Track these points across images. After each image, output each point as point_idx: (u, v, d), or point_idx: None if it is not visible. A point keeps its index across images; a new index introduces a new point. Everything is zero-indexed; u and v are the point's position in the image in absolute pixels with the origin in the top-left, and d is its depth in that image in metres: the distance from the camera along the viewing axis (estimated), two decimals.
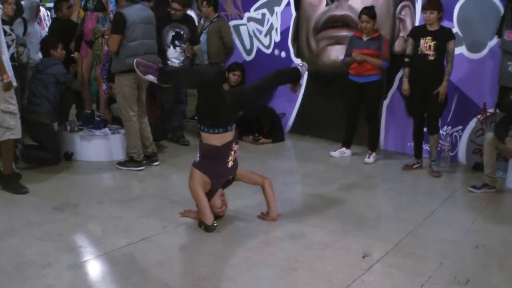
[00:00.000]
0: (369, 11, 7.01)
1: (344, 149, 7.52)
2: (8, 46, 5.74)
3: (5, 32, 5.59)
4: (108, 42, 6.26)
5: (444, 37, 6.49)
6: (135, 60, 4.81)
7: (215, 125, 4.62)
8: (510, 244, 4.73)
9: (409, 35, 6.84)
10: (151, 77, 4.74)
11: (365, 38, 7.06)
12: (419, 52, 6.59)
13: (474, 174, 6.85)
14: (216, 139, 4.63)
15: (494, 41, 6.89)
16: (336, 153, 7.47)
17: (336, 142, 7.71)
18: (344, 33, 7.91)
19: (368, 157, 7.26)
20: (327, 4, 8.14)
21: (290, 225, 4.89)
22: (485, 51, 7.00)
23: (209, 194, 4.71)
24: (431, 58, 6.51)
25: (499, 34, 6.70)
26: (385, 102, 7.83)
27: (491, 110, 7.04)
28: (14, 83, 5.34)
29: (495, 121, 6.84)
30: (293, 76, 5.26)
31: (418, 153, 7.04)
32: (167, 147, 7.39)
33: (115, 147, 6.84)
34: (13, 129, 5.33)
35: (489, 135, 6.10)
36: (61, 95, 6.62)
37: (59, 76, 6.47)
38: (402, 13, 7.60)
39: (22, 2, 7.73)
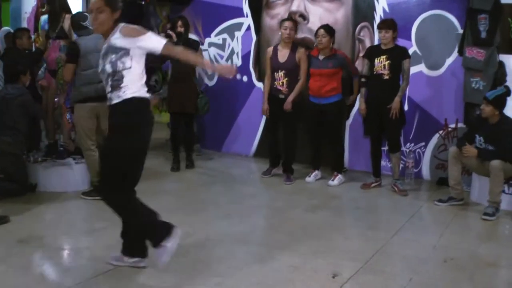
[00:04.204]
0: (326, 26, 6.97)
1: (316, 172, 7.44)
2: None
3: None
4: (63, 72, 6.26)
5: (398, 55, 6.53)
6: None
7: None
8: (477, 257, 4.79)
9: (364, 56, 6.90)
10: None
11: (321, 57, 6.98)
12: (374, 72, 6.64)
13: (438, 189, 6.96)
14: None
15: (452, 58, 7.05)
16: (311, 179, 7.37)
17: (299, 164, 7.74)
18: None
19: (333, 180, 7.18)
20: None
21: (259, 248, 4.88)
22: (443, 68, 7.15)
23: None
24: (386, 77, 6.56)
25: (461, 52, 6.83)
26: (348, 122, 7.90)
27: (452, 126, 7.16)
28: None
29: (457, 136, 6.96)
30: None
31: (376, 171, 7.08)
32: None
33: (79, 177, 6.75)
34: None
35: (453, 148, 6.24)
36: (31, 124, 6.48)
37: (28, 107, 6.33)
38: (361, 34, 7.72)
39: None
